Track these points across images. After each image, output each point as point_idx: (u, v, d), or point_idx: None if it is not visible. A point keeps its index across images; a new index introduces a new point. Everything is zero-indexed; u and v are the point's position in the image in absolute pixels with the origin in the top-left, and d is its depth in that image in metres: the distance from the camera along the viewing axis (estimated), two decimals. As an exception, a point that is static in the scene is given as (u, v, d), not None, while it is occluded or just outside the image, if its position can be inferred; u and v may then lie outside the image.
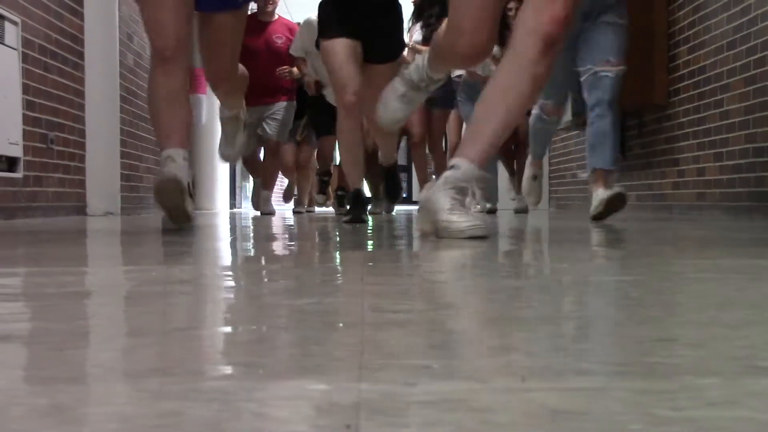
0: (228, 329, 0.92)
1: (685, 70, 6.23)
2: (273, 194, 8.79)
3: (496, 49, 7.45)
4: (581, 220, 5.17)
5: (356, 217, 4.66)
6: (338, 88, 4.66)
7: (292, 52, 7.65)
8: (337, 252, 2.22)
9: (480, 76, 7.37)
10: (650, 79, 6.57)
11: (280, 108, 8.14)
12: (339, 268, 1.73)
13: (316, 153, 9.13)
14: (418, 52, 7.27)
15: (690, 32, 6.16)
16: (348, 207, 5.00)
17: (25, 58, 5.26)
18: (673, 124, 6.44)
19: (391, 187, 5.65)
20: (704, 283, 1.37)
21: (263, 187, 8.45)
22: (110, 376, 0.69)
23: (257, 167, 8.68)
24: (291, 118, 8.27)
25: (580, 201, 8.92)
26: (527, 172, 5.81)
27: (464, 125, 7.72)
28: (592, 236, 3.03)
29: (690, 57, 6.15)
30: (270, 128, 8.08)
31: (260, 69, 7.65)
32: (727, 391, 0.61)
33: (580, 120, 7.69)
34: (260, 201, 8.43)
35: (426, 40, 7.37)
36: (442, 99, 7.77)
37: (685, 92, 6.23)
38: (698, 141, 5.98)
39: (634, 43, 6.59)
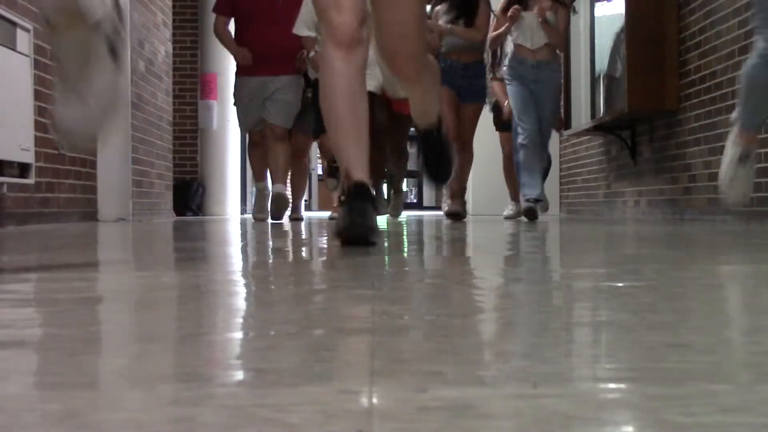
0: (239, 335, 0.92)
1: (696, 76, 6.21)
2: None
3: (550, 14, 7.06)
4: (592, 225, 5.15)
5: (354, 229, 2.78)
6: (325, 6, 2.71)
7: (295, 31, 6.39)
8: (348, 257, 2.22)
9: (529, 51, 6.82)
10: (661, 85, 6.56)
11: (283, 85, 6.85)
12: (350, 273, 1.73)
13: (318, 146, 7.49)
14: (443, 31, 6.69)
15: (701, 37, 6.15)
16: (343, 201, 3.46)
17: (37, 64, 5.28)
18: (684, 129, 6.42)
19: (433, 160, 3.36)
20: (717, 289, 1.37)
21: (274, 179, 7.13)
22: (123, 382, 0.69)
23: (262, 165, 7.28)
24: (297, 98, 6.91)
25: (590, 206, 8.90)
26: (731, 151, 3.87)
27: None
28: (603, 242, 3.03)
29: (701, 62, 6.14)
30: (272, 112, 6.80)
31: (259, 32, 6.75)
32: (740, 398, 0.61)
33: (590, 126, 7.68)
34: (263, 205, 7.29)
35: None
36: (473, 92, 6.95)
37: (696, 97, 6.22)
38: (709, 146, 5.96)
39: (644, 49, 6.58)
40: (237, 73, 7.13)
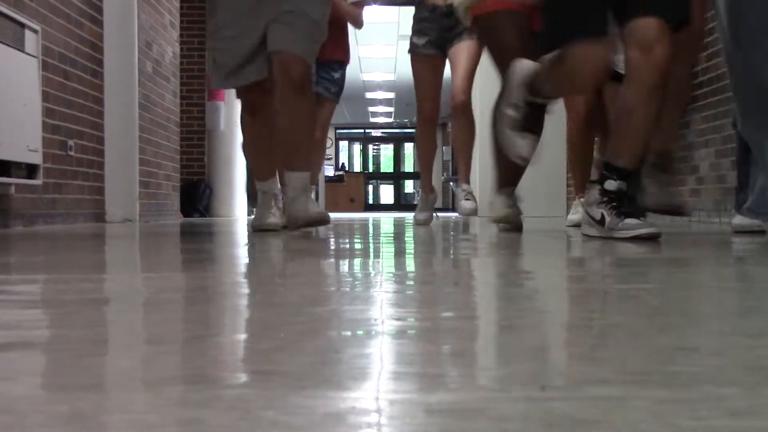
0: (247, 337, 0.92)
1: (704, 77, 6.20)
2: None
3: None
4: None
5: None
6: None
7: None
8: (356, 259, 2.22)
9: None
10: (669, 86, 6.53)
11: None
12: (358, 275, 1.73)
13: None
14: None
15: (709, 38, 6.13)
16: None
17: (45, 65, 5.29)
18: (692, 130, 6.41)
19: None
20: (725, 292, 1.37)
21: (256, 176, 4.29)
22: (130, 383, 0.69)
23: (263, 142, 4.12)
24: (318, 22, 3.83)
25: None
26: None
27: None
28: (609, 245, 3.02)
29: (709, 63, 6.12)
30: (277, 33, 3.78)
31: None
32: (748, 401, 0.61)
33: None
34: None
35: None
36: None
37: (704, 99, 6.21)
38: (717, 148, 5.95)
39: (652, 50, 6.57)
40: None
